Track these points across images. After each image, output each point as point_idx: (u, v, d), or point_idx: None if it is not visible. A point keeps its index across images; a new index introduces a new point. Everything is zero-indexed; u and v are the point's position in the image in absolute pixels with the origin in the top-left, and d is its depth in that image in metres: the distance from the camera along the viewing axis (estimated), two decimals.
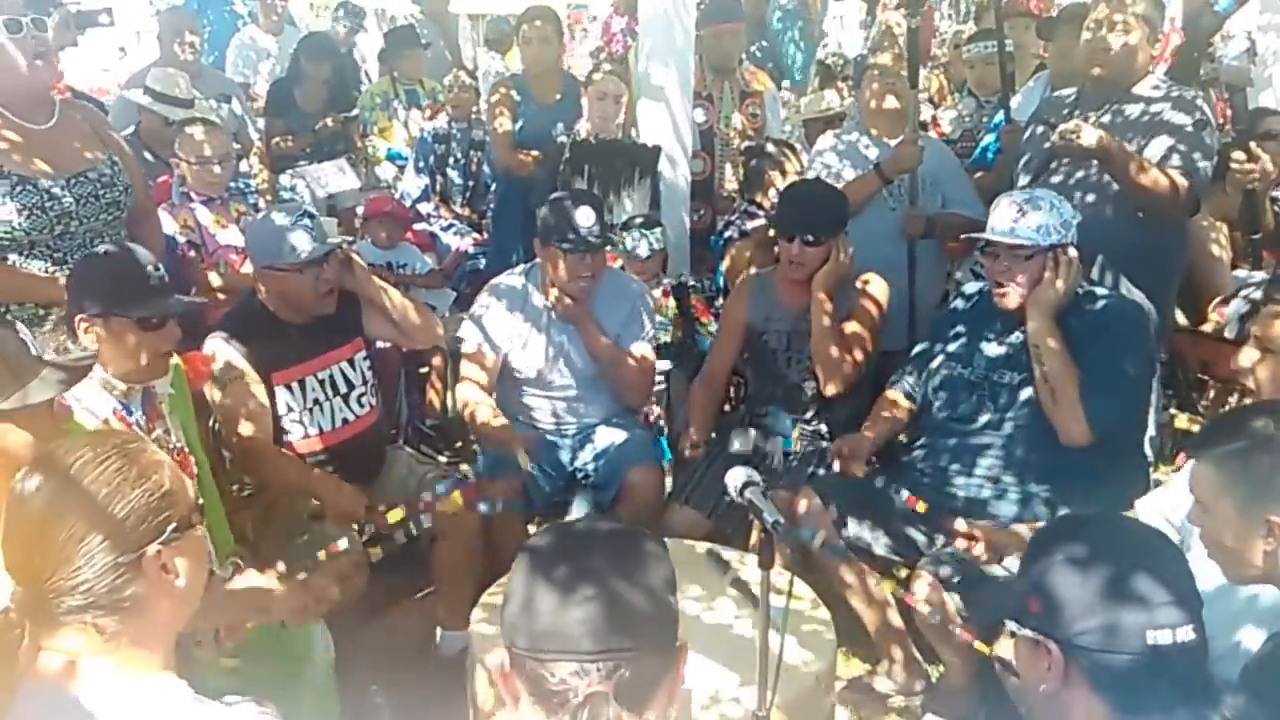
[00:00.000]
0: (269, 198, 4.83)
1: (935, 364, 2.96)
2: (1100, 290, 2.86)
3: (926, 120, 5.15)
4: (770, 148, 4.24)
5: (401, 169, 5.43)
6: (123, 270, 2.29)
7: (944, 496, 2.80)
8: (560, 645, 1.13)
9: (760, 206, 4.09)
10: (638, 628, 1.14)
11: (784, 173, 4.09)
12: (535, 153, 4.51)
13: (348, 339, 3.07)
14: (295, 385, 2.95)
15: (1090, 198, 3.15)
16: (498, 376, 3.29)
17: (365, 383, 3.09)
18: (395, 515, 2.59)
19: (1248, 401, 2.76)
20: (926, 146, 3.59)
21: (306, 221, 2.89)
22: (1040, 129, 3.35)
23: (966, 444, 2.82)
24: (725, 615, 2.40)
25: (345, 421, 3.03)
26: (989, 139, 4.33)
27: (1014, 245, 2.69)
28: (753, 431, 3.15)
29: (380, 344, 3.44)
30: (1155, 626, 1.29)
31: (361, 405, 3.07)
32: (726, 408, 3.60)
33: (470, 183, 5.25)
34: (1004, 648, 1.82)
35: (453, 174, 5.21)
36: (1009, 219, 2.70)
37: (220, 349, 2.86)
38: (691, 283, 4.11)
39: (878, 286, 3.24)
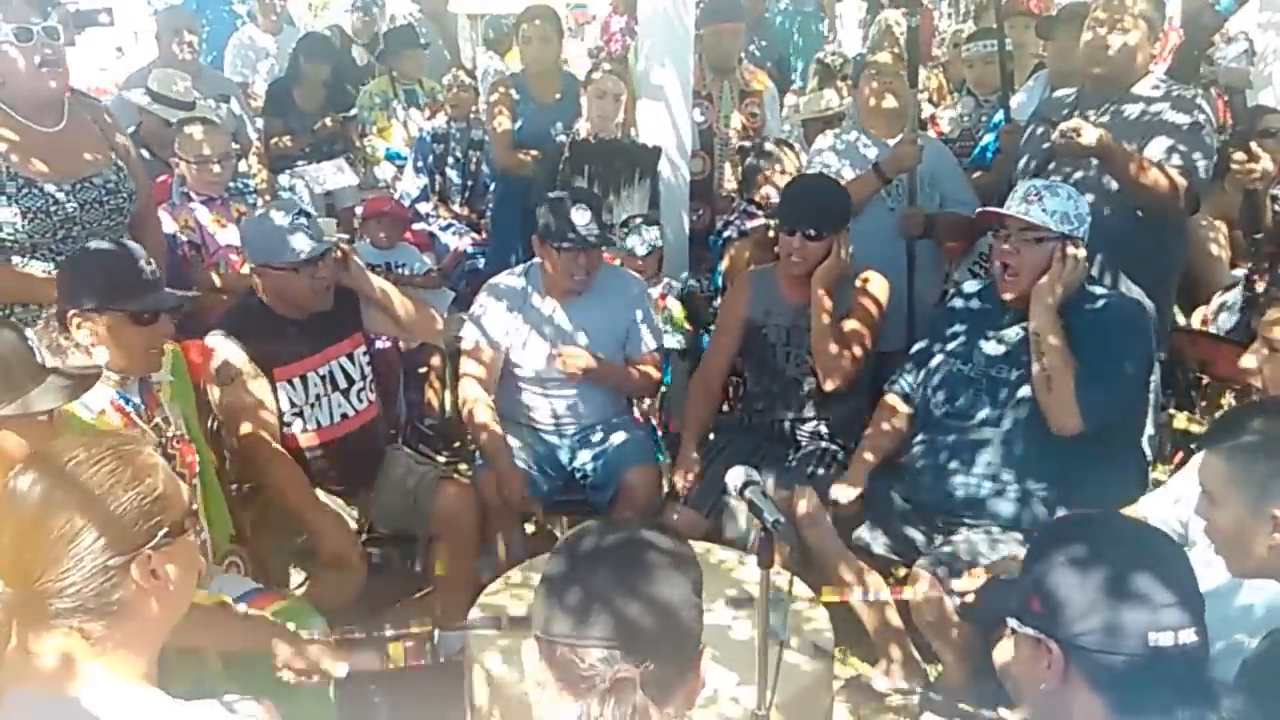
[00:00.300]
0: (268, 197, 4.83)
1: (934, 361, 2.96)
2: (1100, 289, 2.86)
3: (925, 119, 5.14)
4: (769, 146, 4.23)
5: (400, 169, 5.42)
6: (116, 265, 2.29)
7: (942, 495, 2.80)
8: (594, 632, 1.18)
9: (759, 205, 4.09)
10: (668, 625, 1.20)
11: (783, 171, 4.08)
12: (534, 152, 4.50)
13: (347, 334, 3.07)
14: (297, 381, 2.96)
15: (1090, 197, 3.12)
16: (498, 375, 3.29)
17: (365, 378, 3.10)
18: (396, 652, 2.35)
19: (1247, 400, 2.76)
20: (925, 146, 3.58)
21: (303, 220, 2.89)
22: (1040, 129, 3.35)
23: (965, 440, 2.82)
24: (724, 616, 2.40)
25: (345, 416, 3.04)
26: (988, 138, 4.32)
27: (1025, 226, 2.70)
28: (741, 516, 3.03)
29: (380, 344, 3.44)
30: (1157, 628, 1.29)
31: (361, 400, 3.08)
32: (725, 407, 3.60)
33: (469, 182, 5.23)
34: (1004, 646, 1.82)
35: (452, 174, 5.20)
36: (1026, 200, 2.73)
37: (221, 346, 2.86)
38: (692, 282, 4.11)
39: (878, 284, 3.24)
